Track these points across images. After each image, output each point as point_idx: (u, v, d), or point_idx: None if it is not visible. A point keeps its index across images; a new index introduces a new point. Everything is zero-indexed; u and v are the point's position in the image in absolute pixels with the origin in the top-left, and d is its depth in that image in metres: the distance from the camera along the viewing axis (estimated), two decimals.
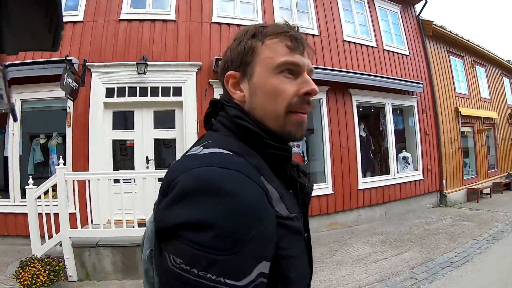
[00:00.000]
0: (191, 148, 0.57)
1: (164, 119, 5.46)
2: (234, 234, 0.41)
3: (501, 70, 11.79)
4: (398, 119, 7.77)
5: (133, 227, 3.63)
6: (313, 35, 6.30)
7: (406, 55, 7.72)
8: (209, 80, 5.35)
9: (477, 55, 10.24)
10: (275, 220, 0.46)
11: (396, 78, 7.11)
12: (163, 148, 5.69)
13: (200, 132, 4.99)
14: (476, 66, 10.13)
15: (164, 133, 5.44)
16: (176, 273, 0.41)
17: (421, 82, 7.56)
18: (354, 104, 6.57)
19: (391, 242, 5.10)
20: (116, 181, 3.95)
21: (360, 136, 6.87)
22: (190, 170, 0.45)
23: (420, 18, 8.30)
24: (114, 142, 5.29)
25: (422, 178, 7.49)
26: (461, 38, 9.24)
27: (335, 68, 6.27)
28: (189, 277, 0.39)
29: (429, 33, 8.23)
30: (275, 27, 0.59)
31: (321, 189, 5.81)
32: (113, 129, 5.24)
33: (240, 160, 0.49)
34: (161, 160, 5.46)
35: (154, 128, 5.32)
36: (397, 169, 7.17)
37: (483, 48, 10.33)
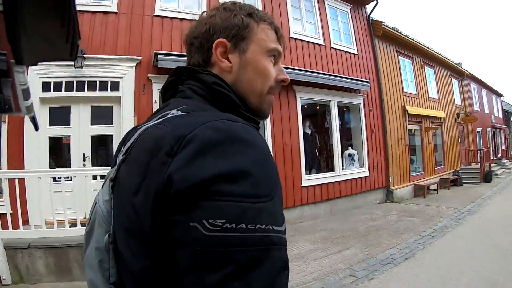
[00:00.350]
0: (157, 114, 0.54)
1: (102, 115, 5.28)
2: (269, 179, 0.41)
3: (450, 71, 12.41)
4: (344, 117, 7.88)
5: (65, 227, 3.56)
6: None
7: (354, 54, 7.83)
8: (148, 75, 5.14)
9: (427, 56, 10.67)
10: None
11: (342, 76, 7.18)
12: (100, 145, 5.46)
13: None
14: (425, 67, 10.55)
15: (101, 129, 5.23)
16: (219, 238, 0.35)
17: (368, 80, 7.69)
18: (298, 101, 6.52)
19: (334, 239, 5.09)
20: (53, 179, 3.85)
21: (305, 133, 6.88)
22: (203, 124, 0.42)
23: (371, 18, 8.46)
24: (51, 138, 5.05)
25: (368, 175, 7.64)
26: (411, 40, 9.56)
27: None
28: (237, 235, 0.36)
29: (379, 33, 8.41)
30: (266, 14, 0.62)
31: None
32: (49, 125, 4.98)
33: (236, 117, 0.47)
34: (97, 157, 5.26)
35: (91, 124, 5.13)
36: (343, 166, 7.25)
37: (432, 50, 10.79)
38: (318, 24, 7.25)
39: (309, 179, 6.43)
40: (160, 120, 0.47)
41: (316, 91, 6.74)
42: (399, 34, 8.92)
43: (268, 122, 6.13)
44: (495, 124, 17.08)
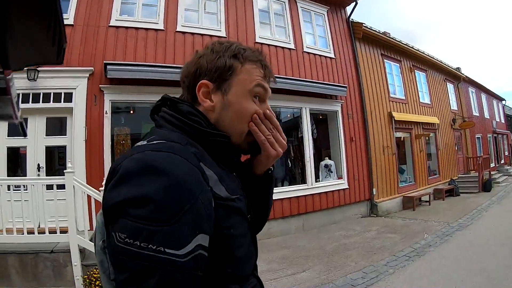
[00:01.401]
0: (138, 143, 0.59)
1: (56, 126, 5.38)
2: (171, 206, 0.45)
3: (444, 75, 11.80)
4: (321, 125, 7.38)
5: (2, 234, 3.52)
6: (219, 37, 5.87)
7: (331, 58, 7.39)
8: (100, 86, 5.04)
9: (417, 60, 10.13)
10: (211, 196, 0.51)
11: (315, 81, 6.75)
12: (54, 155, 5.45)
13: (88, 139, 4.96)
14: (415, 70, 9.99)
15: (56, 140, 5.29)
16: (121, 248, 0.44)
17: (345, 85, 7.20)
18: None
19: (294, 259, 4.59)
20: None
21: None
22: (130, 156, 0.50)
23: (351, 20, 8.01)
24: (9, 149, 5.16)
25: (348, 187, 7.08)
26: (397, 42, 9.06)
27: None
28: (133, 249, 0.43)
29: (359, 36, 7.94)
30: (253, 53, 0.65)
31: None
32: (8, 136, 5.05)
33: (176, 146, 0.53)
34: (51, 168, 5.23)
35: (46, 135, 5.20)
36: (319, 178, 6.78)
37: (423, 53, 10.24)
38: (289, 28, 6.88)
39: (276, 192, 5.89)
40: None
41: (285, 98, 6.28)
42: (383, 36, 8.43)
43: None
44: (497, 130, 16.23)
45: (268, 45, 6.43)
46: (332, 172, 7.04)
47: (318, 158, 7.17)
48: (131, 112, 5.83)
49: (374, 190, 7.50)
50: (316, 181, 6.67)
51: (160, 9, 5.65)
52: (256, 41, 6.29)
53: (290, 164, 6.87)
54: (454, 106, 12.12)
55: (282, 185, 6.37)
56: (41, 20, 0.46)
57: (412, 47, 9.65)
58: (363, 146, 7.52)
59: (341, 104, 7.27)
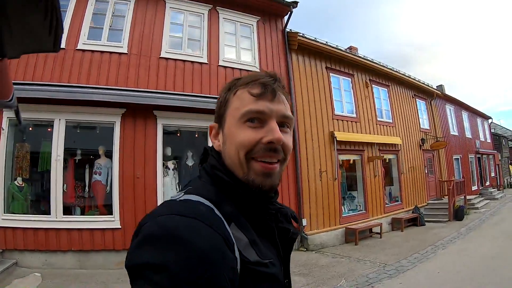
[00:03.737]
0: (179, 191, 0.60)
1: None
2: (187, 277, 0.44)
3: (414, 91, 10.88)
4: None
5: None
6: (119, 53, 5.41)
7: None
8: None
9: (375, 74, 9.28)
10: (235, 264, 0.50)
11: (211, 96, 5.87)
12: None
13: None
14: (373, 85, 9.13)
15: None
16: None
17: None
18: (160, 128, 5.43)
19: None
20: None
21: (187, 165, 5.73)
22: (155, 218, 0.50)
23: (287, 30, 7.30)
24: None
25: None
26: (345, 53, 8.26)
27: (135, 88, 5.29)
28: None
29: (295, 47, 7.19)
30: (248, 76, 0.63)
31: (107, 222, 4.91)
32: None
33: (202, 208, 0.52)
34: None
35: None
36: None
37: (384, 66, 9.40)
38: (204, 41, 6.22)
39: None
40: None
41: (190, 117, 5.60)
42: (324, 46, 7.63)
43: (116, 153, 5.03)
44: (480, 150, 14.97)
45: (175, 60, 5.81)
46: None
47: None
48: (30, 129, 5.27)
49: (304, 220, 6.54)
50: None
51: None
52: (161, 56, 5.74)
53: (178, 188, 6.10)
54: (425, 124, 11.12)
55: None
56: (38, 8, 0.45)
57: (366, 59, 8.83)
58: (290, 170, 6.61)
59: None
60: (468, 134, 14.30)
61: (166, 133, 5.61)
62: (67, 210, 4.92)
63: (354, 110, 8.35)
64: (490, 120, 17.57)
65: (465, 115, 14.43)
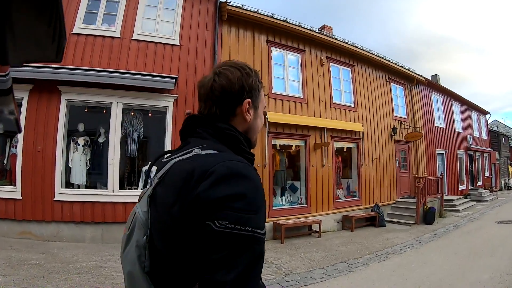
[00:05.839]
0: (181, 149, 0.75)
1: None
2: (257, 201, 0.62)
3: (388, 74, 9.60)
4: (157, 124, 5.84)
5: None
6: None
7: (174, 45, 5.94)
8: None
9: (335, 51, 8.13)
10: None
11: (131, 72, 5.40)
12: None
13: None
14: (330, 63, 7.99)
15: None
16: (223, 232, 0.57)
17: (174, 76, 5.70)
18: (63, 103, 5.18)
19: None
20: None
21: (98, 142, 5.71)
22: (219, 163, 0.63)
23: (220, 1, 6.36)
24: None
25: None
26: (292, 26, 7.17)
27: (41, 65, 4.84)
28: (235, 232, 0.57)
29: (225, 17, 6.24)
30: (258, 76, 0.83)
31: (8, 192, 5.00)
32: None
33: (241, 158, 0.70)
34: None
35: None
36: (136, 185, 5.74)
37: (345, 42, 8.22)
38: (120, 15, 5.63)
39: (65, 194, 5.11)
40: (187, 156, 0.70)
41: (95, 92, 5.23)
42: (261, 17, 6.61)
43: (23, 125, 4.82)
44: (472, 146, 13.30)
45: (86, 35, 5.37)
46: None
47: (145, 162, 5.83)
48: None
49: None
50: (121, 189, 5.41)
51: None
52: (73, 32, 5.30)
53: (88, 165, 5.60)
54: (400, 112, 9.83)
55: (82, 187, 5.44)
56: (42, 16, 0.45)
57: (321, 33, 7.69)
58: None
59: (175, 99, 5.70)
60: (458, 128, 12.73)
61: (76, 108, 5.48)
62: None
63: (301, 90, 7.28)
64: (488, 116, 15.69)
65: (456, 106, 12.86)
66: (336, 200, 7.64)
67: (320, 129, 7.38)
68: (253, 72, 0.80)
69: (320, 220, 6.68)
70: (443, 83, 13.04)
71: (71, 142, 5.46)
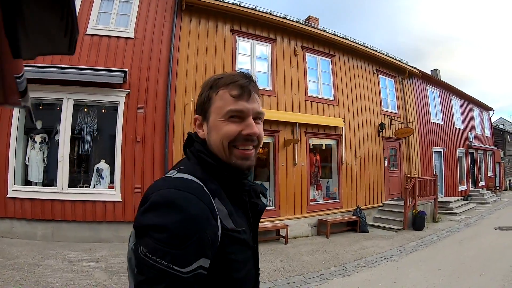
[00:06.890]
0: (171, 169, 0.74)
1: None
2: (181, 236, 0.58)
3: (376, 65, 8.89)
4: (101, 120, 5.64)
5: None
6: None
7: (129, 38, 5.62)
8: None
9: (312, 40, 7.52)
10: (217, 229, 0.63)
11: (81, 67, 5.14)
12: None
13: None
14: (306, 53, 7.39)
15: None
16: (143, 259, 0.58)
17: (123, 70, 5.40)
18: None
19: None
20: None
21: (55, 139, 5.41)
22: (158, 190, 0.63)
23: None
24: None
25: (121, 200, 5.18)
26: (258, 14, 6.63)
27: None
28: (150, 262, 0.57)
29: (183, 7, 5.82)
30: (228, 78, 0.74)
31: None
32: None
33: (195, 185, 0.66)
34: None
35: None
36: (89, 183, 5.42)
37: (324, 31, 7.60)
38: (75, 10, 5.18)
39: (19, 191, 5.02)
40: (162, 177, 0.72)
41: (48, 89, 5.04)
42: (226, 5, 6.16)
43: None
44: (474, 144, 12.27)
45: None
46: (103, 178, 5.25)
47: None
48: None
49: None
50: (71, 186, 5.21)
51: None
52: None
53: (45, 162, 5.50)
54: (389, 107, 9.08)
55: (38, 185, 5.31)
56: (54, 9, 0.44)
57: (293, 21, 7.09)
58: (158, 151, 5.30)
59: (127, 94, 5.37)
60: (458, 125, 11.77)
61: (34, 106, 5.23)
62: None
63: (270, 82, 6.72)
64: (491, 112, 14.50)
65: (456, 102, 11.90)
66: (312, 203, 7.02)
67: (292, 124, 6.79)
68: (206, 83, 0.78)
69: (287, 225, 6.09)
70: (450, 81, 12.13)
71: (29, 140, 5.32)
